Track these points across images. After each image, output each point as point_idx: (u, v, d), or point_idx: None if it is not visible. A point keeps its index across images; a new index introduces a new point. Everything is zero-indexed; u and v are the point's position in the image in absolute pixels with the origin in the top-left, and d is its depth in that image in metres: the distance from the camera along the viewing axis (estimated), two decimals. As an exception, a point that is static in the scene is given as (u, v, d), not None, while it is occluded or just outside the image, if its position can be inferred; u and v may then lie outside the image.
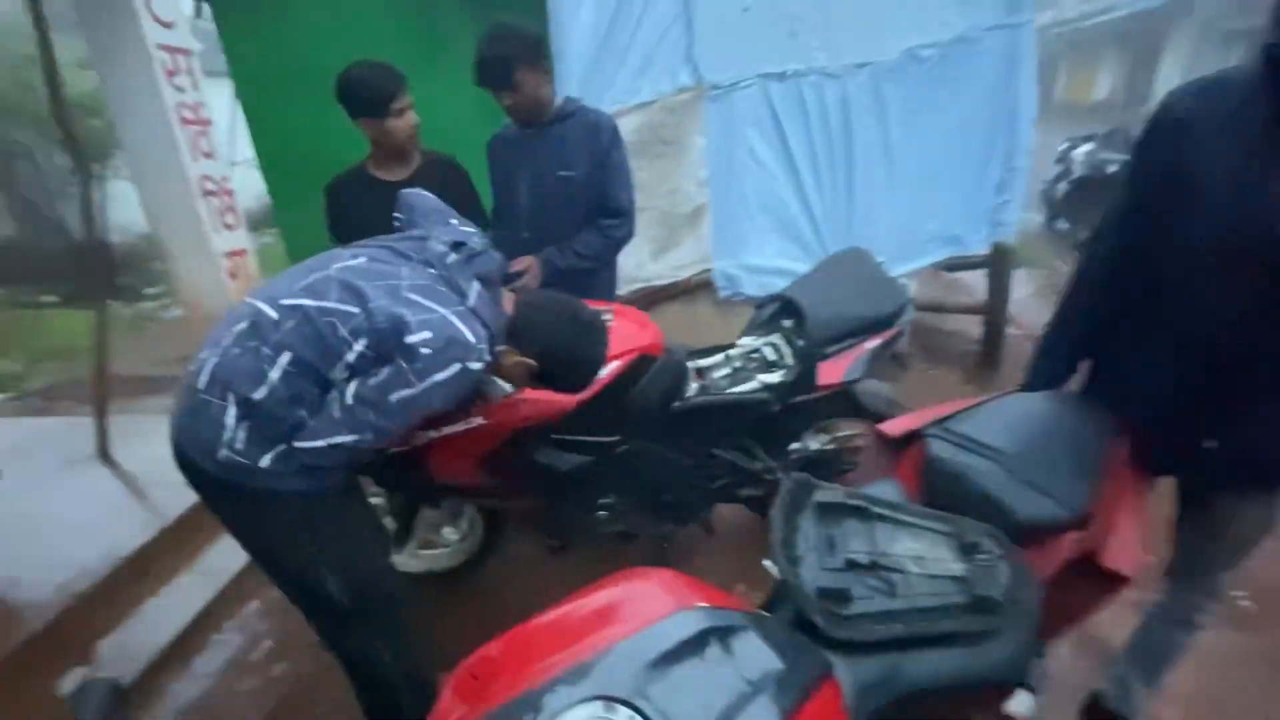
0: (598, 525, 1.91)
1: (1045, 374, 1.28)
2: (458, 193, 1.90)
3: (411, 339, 1.02)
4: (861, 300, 1.82)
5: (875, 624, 0.83)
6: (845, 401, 1.91)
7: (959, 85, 2.78)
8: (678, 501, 1.92)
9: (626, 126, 2.68)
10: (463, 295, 1.12)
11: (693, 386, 1.84)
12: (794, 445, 1.99)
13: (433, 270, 1.14)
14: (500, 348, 1.22)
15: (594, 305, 1.77)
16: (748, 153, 2.90)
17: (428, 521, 2.08)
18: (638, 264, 3.05)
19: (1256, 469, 1.10)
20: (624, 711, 0.57)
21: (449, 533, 2.05)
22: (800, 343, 1.79)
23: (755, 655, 0.65)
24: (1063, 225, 5.88)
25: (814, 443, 2.03)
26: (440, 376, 1.04)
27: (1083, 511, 0.93)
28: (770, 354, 1.89)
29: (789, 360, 1.83)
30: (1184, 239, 1.03)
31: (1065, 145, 5.99)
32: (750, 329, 2.01)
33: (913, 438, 1.09)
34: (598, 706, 0.57)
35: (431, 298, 1.08)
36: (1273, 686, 1.65)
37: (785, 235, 2.98)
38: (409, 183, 1.88)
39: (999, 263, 3.01)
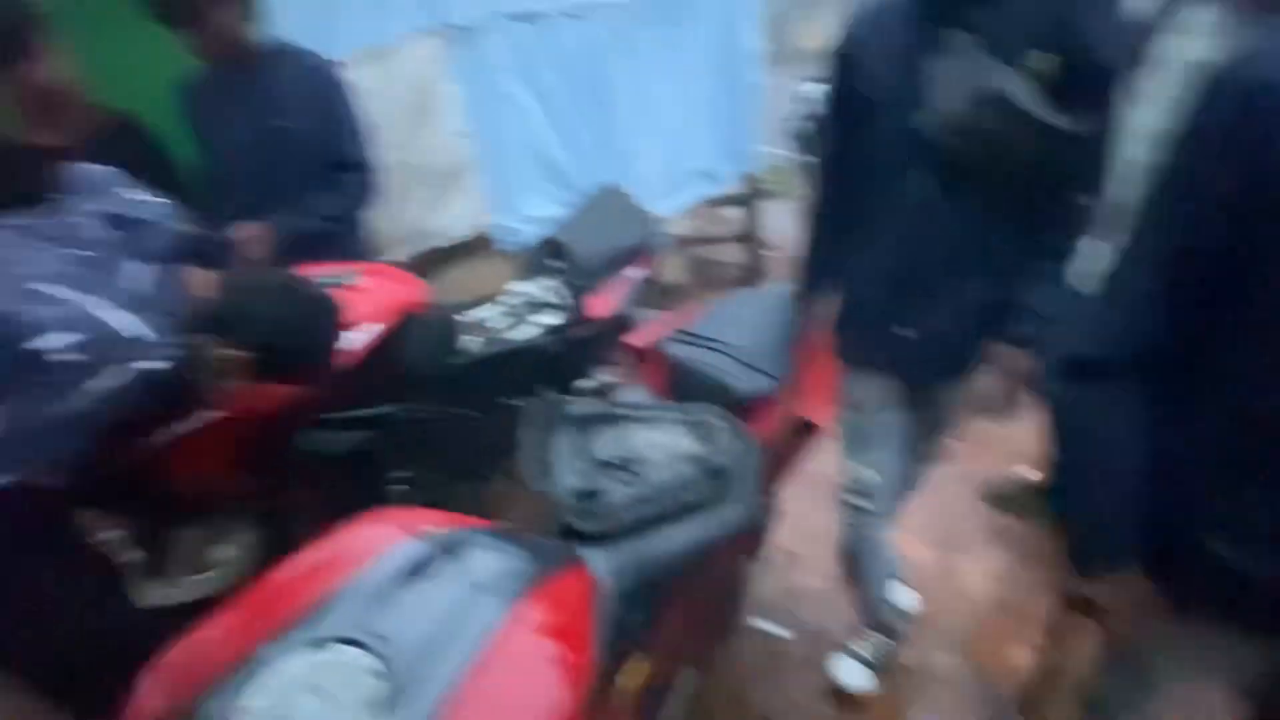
0: (397, 502, 1.82)
1: (803, 291, 1.39)
2: (138, 156, 1.60)
3: (38, 343, 0.82)
4: (619, 233, 1.90)
5: (626, 512, 0.90)
6: (626, 331, 2.01)
7: (692, 25, 2.96)
8: (476, 458, 1.89)
9: (365, 76, 2.45)
10: (118, 279, 0.94)
11: (470, 339, 1.80)
12: (582, 382, 2.05)
13: (80, 252, 0.93)
14: (198, 338, 1.06)
15: (343, 267, 1.64)
16: (506, 99, 2.82)
17: (192, 541, 1.82)
18: (411, 225, 2.87)
19: (945, 355, 1.26)
20: (346, 650, 0.55)
21: (218, 550, 1.81)
22: (570, 280, 1.83)
23: (487, 560, 0.67)
24: (810, 158, 6.67)
25: (603, 376, 2.11)
26: (97, 385, 0.86)
27: (787, 381, 1.09)
28: (543, 296, 1.91)
29: (562, 300, 1.87)
30: (874, 145, 1.17)
31: (801, 85, 6.75)
32: (522, 274, 2.01)
33: (655, 345, 1.19)
34: (314, 652, 0.55)
35: (74, 285, 0.88)
36: (973, 500, 2.13)
37: (556, 182, 2.99)
38: (73, 150, 1.53)
39: (750, 193, 3.33)
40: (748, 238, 3.47)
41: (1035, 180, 1.07)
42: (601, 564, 0.85)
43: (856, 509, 1.47)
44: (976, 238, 1.16)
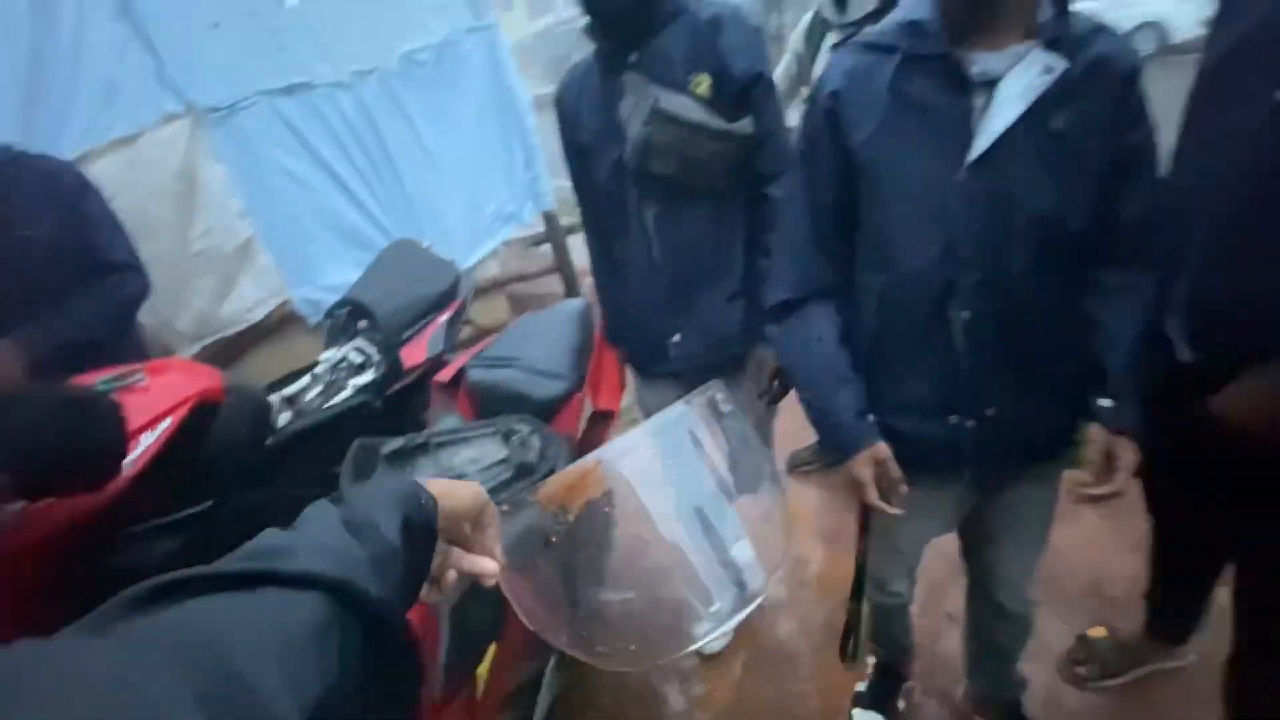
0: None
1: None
2: None
3: None
4: (420, 283, 1.97)
5: (450, 524, 1.00)
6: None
7: (463, 82, 3.12)
8: (315, 534, 1.84)
9: (111, 168, 2.31)
10: None
11: (285, 416, 1.77)
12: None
13: None
14: None
15: (121, 369, 1.54)
16: (282, 173, 2.77)
17: None
18: (201, 316, 2.70)
19: (714, 352, 1.41)
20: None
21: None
22: (379, 337, 1.86)
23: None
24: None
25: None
26: None
27: (579, 381, 1.26)
28: (356, 358, 1.92)
29: (375, 357, 1.89)
30: (601, 181, 1.36)
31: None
32: (330, 342, 2.00)
33: (459, 375, 1.30)
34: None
35: None
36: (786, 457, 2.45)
37: (356, 246, 2.97)
38: None
39: (552, 227, 3.55)
40: (560, 270, 3.67)
41: (728, 180, 1.30)
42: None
43: None
44: (709, 243, 1.36)
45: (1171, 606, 1.46)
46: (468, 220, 3.26)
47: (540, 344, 1.30)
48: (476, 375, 1.23)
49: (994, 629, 1.32)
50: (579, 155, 1.37)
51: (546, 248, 3.85)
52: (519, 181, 3.41)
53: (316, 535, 0.42)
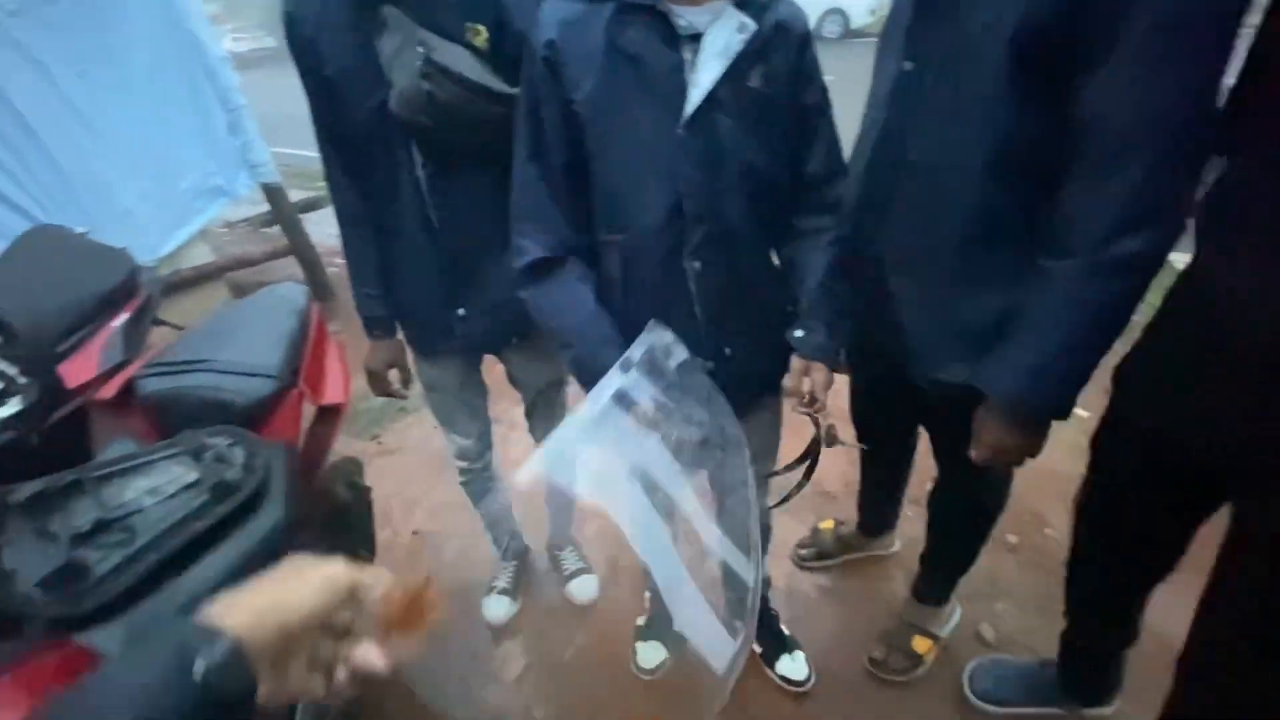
0: None
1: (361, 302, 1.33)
2: None
3: None
4: (79, 280, 1.56)
5: (124, 574, 0.82)
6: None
7: (121, 27, 2.50)
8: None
9: None
10: None
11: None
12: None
13: None
14: None
15: None
16: None
17: None
18: None
19: (506, 323, 1.30)
20: None
21: None
22: (21, 352, 1.45)
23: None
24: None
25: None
26: None
27: (293, 376, 1.11)
28: (-11, 384, 1.47)
29: (20, 380, 1.47)
30: (354, 129, 1.11)
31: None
32: (-55, 367, 1.50)
33: (128, 389, 1.06)
34: None
35: None
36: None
37: (-13, 239, 2.27)
38: None
39: (276, 203, 3.08)
40: (296, 250, 3.22)
41: (509, 149, 1.10)
42: (116, 637, 0.77)
43: (467, 470, 1.62)
44: (492, 214, 1.17)
45: (872, 505, 1.79)
46: (155, 198, 2.67)
47: (240, 339, 1.10)
48: (151, 386, 1.01)
49: (740, 541, 1.49)
50: (322, 91, 1.12)
51: (278, 228, 3.34)
52: (224, 150, 2.88)
53: None
